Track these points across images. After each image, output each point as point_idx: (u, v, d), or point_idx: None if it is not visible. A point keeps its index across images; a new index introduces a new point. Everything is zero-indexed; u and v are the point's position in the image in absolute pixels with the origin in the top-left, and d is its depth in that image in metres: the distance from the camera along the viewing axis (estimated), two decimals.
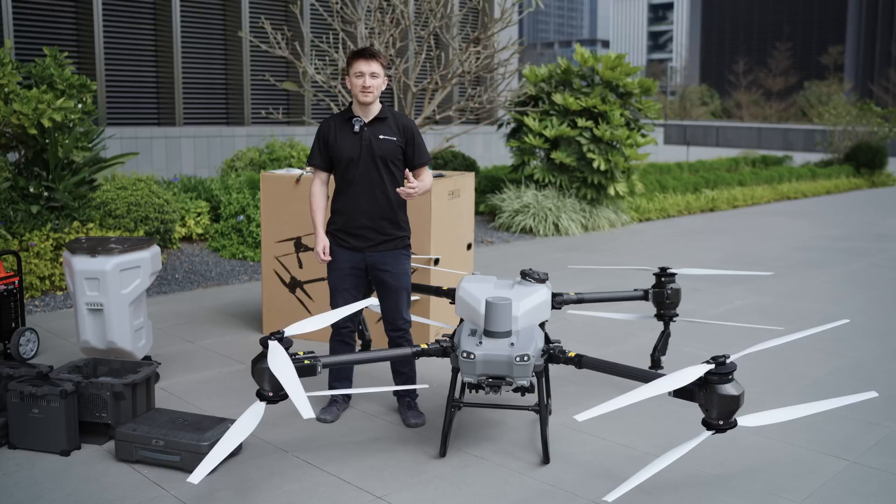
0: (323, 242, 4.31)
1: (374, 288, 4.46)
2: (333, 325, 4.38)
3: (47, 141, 7.18)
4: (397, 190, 4.19)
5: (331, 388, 4.53)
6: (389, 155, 4.23)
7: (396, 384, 4.48)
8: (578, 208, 11.70)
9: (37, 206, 7.22)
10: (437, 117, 9.66)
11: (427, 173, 4.36)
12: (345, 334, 4.44)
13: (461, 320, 4.11)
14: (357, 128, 4.21)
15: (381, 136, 4.21)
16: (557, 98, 11.75)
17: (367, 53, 4.17)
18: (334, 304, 4.35)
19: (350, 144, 4.21)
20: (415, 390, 4.49)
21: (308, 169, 6.00)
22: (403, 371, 4.46)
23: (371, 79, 4.14)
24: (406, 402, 4.47)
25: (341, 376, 4.53)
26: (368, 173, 4.22)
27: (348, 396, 4.61)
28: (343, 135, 4.24)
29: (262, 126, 12.78)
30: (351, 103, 4.31)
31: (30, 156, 7.44)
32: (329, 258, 4.32)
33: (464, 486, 3.67)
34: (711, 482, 3.74)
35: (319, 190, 4.35)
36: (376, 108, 4.26)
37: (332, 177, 4.39)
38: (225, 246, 8.86)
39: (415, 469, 3.84)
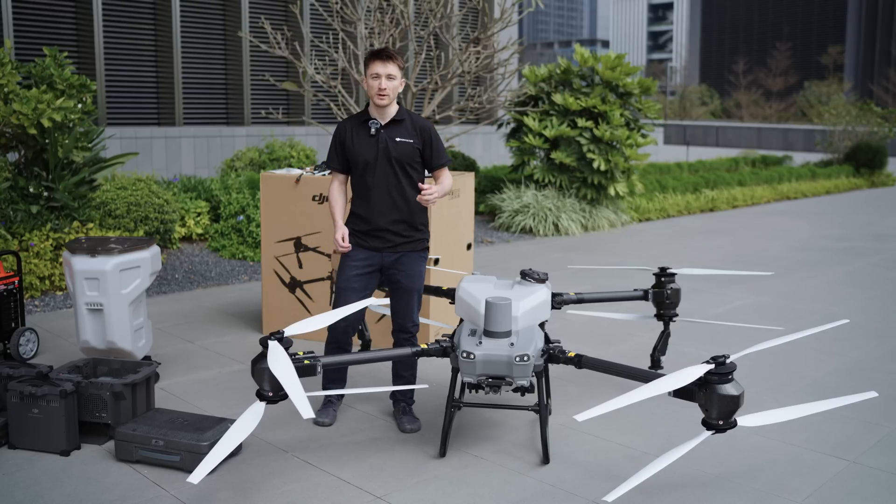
0: (342, 231, 4.21)
1: (385, 289, 4.43)
2: (332, 329, 4.31)
3: (47, 141, 7.18)
4: (418, 199, 4.15)
5: (325, 390, 4.49)
6: (406, 157, 4.19)
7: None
8: (578, 208, 11.70)
9: (37, 206, 7.22)
10: (437, 117, 9.66)
11: (447, 174, 4.32)
12: (343, 341, 4.34)
13: (461, 320, 4.11)
14: (373, 130, 4.17)
15: (398, 139, 4.17)
16: (557, 98, 11.75)
17: (384, 55, 4.11)
18: (337, 305, 4.29)
19: (367, 147, 4.17)
20: (412, 397, 4.47)
21: (308, 169, 6.00)
22: (404, 375, 4.42)
23: (387, 81, 4.09)
24: (402, 408, 4.42)
25: (336, 378, 4.44)
26: (386, 176, 4.17)
27: (341, 395, 4.54)
28: (360, 137, 4.20)
29: (262, 126, 12.78)
30: (367, 105, 4.28)
31: (30, 156, 7.44)
32: (349, 246, 4.22)
33: (464, 486, 3.67)
34: (711, 482, 3.74)
35: (338, 190, 4.31)
36: (393, 110, 4.21)
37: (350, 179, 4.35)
38: (225, 246, 8.86)
39: (415, 469, 3.84)
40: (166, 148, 11.65)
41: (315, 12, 13.12)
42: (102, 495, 3.53)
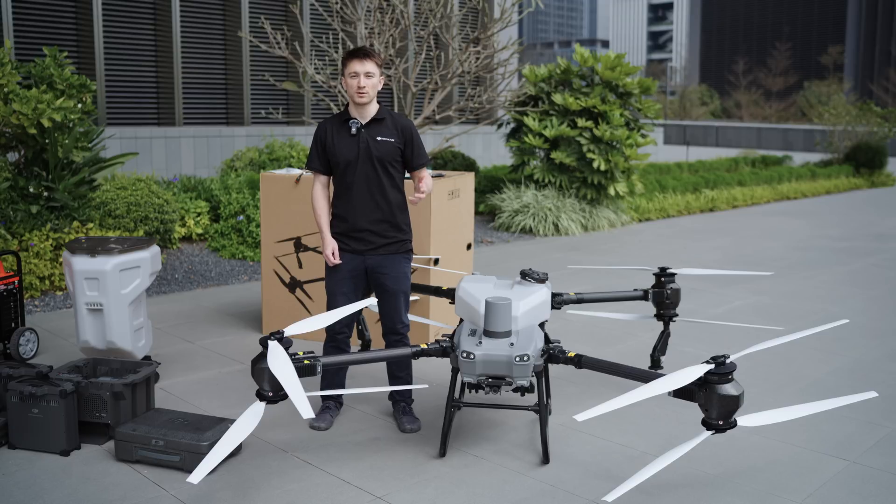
0: (332, 246, 4.24)
1: (373, 291, 4.43)
2: (329, 330, 4.32)
3: (47, 141, 7.18)
4: (409, 199, 4.18)
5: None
6: (388, 156, 4.18)
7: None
8: (578, 208, 11.70)
9: (37, 206, 7.22)
10: (437, 117, 9.67)
11: (426, 174, 4.33)
12: (340, 340, 4.35)
13: (461, 320, 4.11)
14: (354, 130, 4.16)
15: (380, 138, 4.17)
16: (557, 98, 11.75)
17: (361, 53, 4.11)
18: (331, 309, 4.30)
19: (348, 147, 4.16)
20: (410, 396, 4.47)
21: (307, 170, 5.99)
22: (400, 375, 4.42)
23: (366, 79, 4.09)
24: (401, 408, 4.41)
25: (333, 383, 4.44)
26: (367, 176, 4.17)
27: (341, 403, 4.53)
28: (340, 137, 4.19)
29: (262, 126, 12.78)
30: (348, 104, 4.27)
31: (30, 156, 7.44)
32: (339, 261, 4.25)
33: (464, 486, 3.67)
34: (711, 482, 3.74)
35: (321, 193, 4.31)
36: (373, 109, 4.21)
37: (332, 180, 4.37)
38: (225, 246, 8.86)
39: (414, 469, 3.84)
40: (166, 148, 11.65)
41: (315, 12, 13.13)
42: (102, 495, 3.53)
